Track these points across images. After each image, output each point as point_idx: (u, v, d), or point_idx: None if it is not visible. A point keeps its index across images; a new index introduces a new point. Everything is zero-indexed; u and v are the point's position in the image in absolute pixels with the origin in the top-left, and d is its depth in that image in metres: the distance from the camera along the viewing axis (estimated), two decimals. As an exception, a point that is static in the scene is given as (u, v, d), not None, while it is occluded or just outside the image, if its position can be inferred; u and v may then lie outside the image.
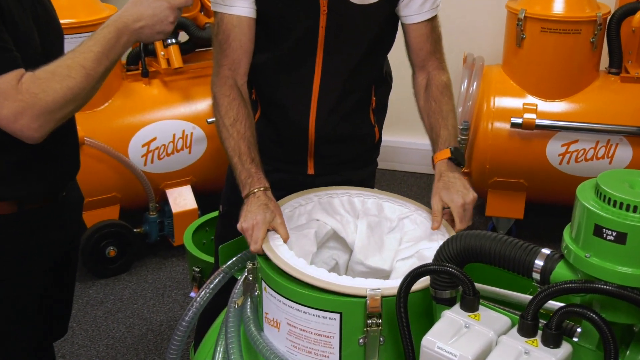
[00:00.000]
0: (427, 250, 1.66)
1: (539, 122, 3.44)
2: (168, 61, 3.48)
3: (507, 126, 3.49)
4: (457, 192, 1.74)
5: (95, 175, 3.31)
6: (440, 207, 1.74)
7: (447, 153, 1.82)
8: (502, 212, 3.75)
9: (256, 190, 1.71)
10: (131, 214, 3.59)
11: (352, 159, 2.08)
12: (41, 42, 1.65)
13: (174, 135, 3.49)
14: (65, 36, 1.85)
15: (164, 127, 3.47)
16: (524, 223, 3.84)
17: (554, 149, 3.50)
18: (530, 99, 3.53)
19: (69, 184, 1.85)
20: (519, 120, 3.44)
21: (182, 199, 3.58)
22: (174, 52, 3.46)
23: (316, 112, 1.95)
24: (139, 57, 3.52)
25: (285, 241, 1.59)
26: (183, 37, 3.65)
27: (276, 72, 1.93)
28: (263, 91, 1.99)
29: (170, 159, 3.50)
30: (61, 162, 1.79)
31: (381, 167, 4.73)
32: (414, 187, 4.59)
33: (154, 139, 3.44)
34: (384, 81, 2.08)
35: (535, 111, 3.46)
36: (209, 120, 3.47)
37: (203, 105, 3.54)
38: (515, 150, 3.53)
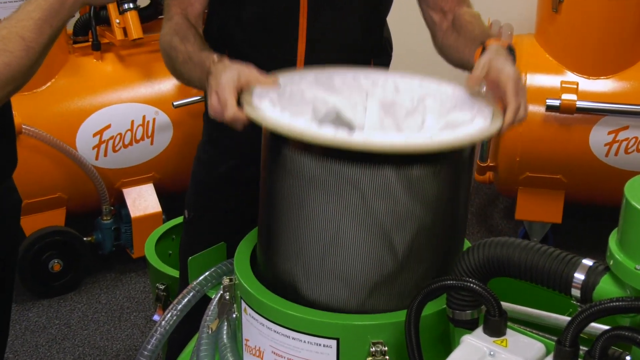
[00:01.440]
0: (461, 117, 1.59)
1: (580, 104, 3.44)
2: (125, 31, 3.47)
3: (542, 109, 3.50)
4: (510, 64, 1.68)
5: (35, 172, 3.31)
6: (486, 64, 1.66)
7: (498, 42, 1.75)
8: (535, 216, 3.76)
9: (215, 59, 1.69)
10: (80, 219, 3.59)
11: None
12: None
13: (133, 122, 3.49)
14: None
15: (120, 111, 3.47)
16: (562, 228, 3.85)
17: (598, 138, 3.51)
18: (570, 76, 3.54)
19: (3, 183, 1.85)
20: (556, 102, 3.44)
21: (142, 200, 3.58)
22: (132, 19, 3.45)
23: None
24: (88, 26, 3.52)
25: (273, 86, 1.57)
26: (143, 1, 3.65)
27: (248, 43, 1.94)
28: None
29: (127, 151, 3.50)
30: None
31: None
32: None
33: (108, 126, 3.44)
34: (384, 50, 2.10)
35: (576, 91, 3.47)
36: (175, 103, 3.47)
37: (168, 84, 3.55)
38: (551, 139, 3.53)
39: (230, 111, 1.54)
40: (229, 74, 1.60)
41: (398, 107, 1.71)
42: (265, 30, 1.93)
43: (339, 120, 1.69)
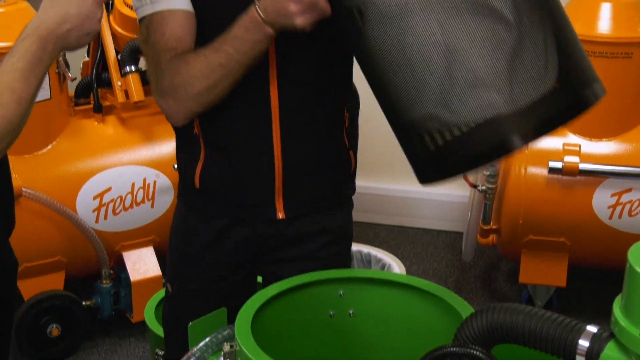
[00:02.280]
0: None
1: (583, 166, 3.45)
2: (126, 93, 3.50)
3: (545, 172, 3.50)
4: None
5: (35, 235, 3.30)
6: None
7: None
8: (539, 279, 3.74)
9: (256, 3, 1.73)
10: (79, 282, 3.58)
11: (328, 194, 2.12)
12: None
13: (133, 184, 3.49)
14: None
15: (121, 174, 3.48)
16: (567, 292, 3.82)
17: (602, 200, 3.51)
18: (572, 138, 3.55)
19: None
20: (559, 165, 3.45)
21: (142, 264, 3.57)
22: (134, 82, 3.48)
23: (280, 136, 1.97)
24: (90, 89, 3.54)
25: None
26: (144, 63, 3.67)
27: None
28: (209, 120, 2.00)
29: (128, 215, 3.50)
30: None
31: (390, 222, 4.79)
32: (430, 246, 4.58)
33: (109, 189, 3.44)
34: (354, 95, 2.12)
35: (578, 153, 3.48)
36: (176, 165, 3.46)
37: (169, 147, 3.55)
38: (554, 201, 3.53)
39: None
40: None
41: None
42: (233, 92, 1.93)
43: None
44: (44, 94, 3.24)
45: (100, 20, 1.67)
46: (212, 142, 2.02)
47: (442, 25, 1.46)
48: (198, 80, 1.84)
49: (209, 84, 1.84)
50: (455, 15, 1.46)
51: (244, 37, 1.79)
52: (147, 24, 1.92)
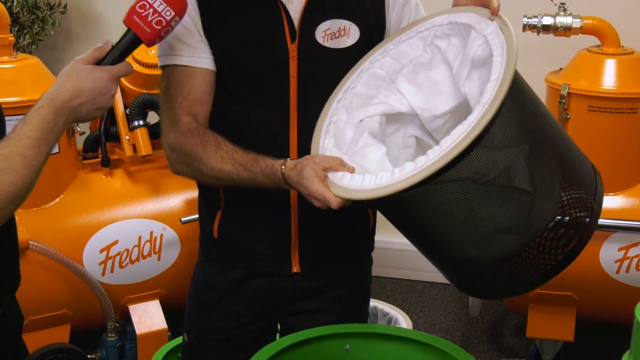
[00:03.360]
0: (477, 47, 1.77)
1: (589, 220, 3.44)
2: (134, 147, 3.52)
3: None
4: None
5: (40, 288, 3.29)
6: None
7: None
8: (547, 333, 3.70)
9: (283, 169, 1.80)
10: (84, 335, 3.55)
11: (344, 250, 2.13)
12: None
13: (140, 237, 3.49)
14: (7, 117, 1.88)
15: (128, 227, 3.47)
16: (575, 346, 3.79)
17: (609, 254, 3.49)
18: (578, 193, 3.54)
19: (5, 301, 1.84)
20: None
21: (148, 317, 3.55)
22: (142, 136, 3.50)
23: (298, 193, 1.98)
24: (98, 143, 3.56)
25: (350, 171, 1.72)
26: (152, 118, 3.70)
27: (240, 140, 1.97)
28: None
29: (134, 268, 3.49)
30: None
31: (396, 276, 4.76)
32: (437, 300, 4.56)
33: (115, 242, 3.44)
34: None
35: (584, 207, 3.47)
36: (183, 219, 3.48)
37: (176, 200, 3.56)
38: (561, 255, 3.51)
39: (335, 203, 1.70)
40: (309, 177, 1.73)
41: (420, 67, 1.92)
42: (252, 141, 1.98)
43: (390, 118, 1.92)
44: (52, 147, 3.25)
45: (113, 96, 1.72)
46: (232, 194, 2.04)
47: (472, 210, 1.67)
48: (207, 172, 1.92)
49: (215, 181, 1.95)
50: (486, 201, 1.67)
51: (261, 178, 1.86)
52: (168, 74, 1.96)
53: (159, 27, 1.78)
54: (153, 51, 3.44)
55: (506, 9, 4.21)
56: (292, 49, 1.97)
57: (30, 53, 4.35)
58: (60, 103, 1.65)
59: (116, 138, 3.58)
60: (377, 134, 1.87)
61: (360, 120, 1.89)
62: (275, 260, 2.07)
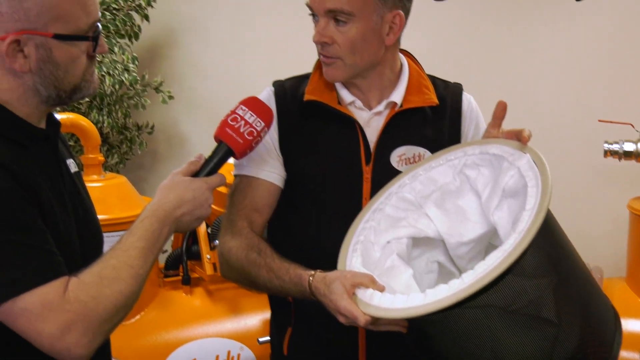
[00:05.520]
0: (509, 177, 1.79)
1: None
2: (215, 266, 3.55)
3: (636, 356, 3.40)
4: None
5: (119, 404, 3.31)
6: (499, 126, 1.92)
7: None
8: None
9: (310, 280, 1.82)
10: None
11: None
12: (80, 243, 1.75)
13: (217, 357, 3.49)
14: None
15: (206, 346, 3.48)
16: None
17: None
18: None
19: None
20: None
21: None
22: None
23: None
24: (179, 261, 3.62)
25: (380, 290, 1.71)
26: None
27: (301, 253, 2.00)
28: None
29: (211, 388, 3.49)
30: None
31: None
32: None
33: (193, 360, 3.46)
34: None
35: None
36: (260, 339, 3.48)
37: (254, 320, 3.57)
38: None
39: (363, 321, 1.69)
40: (337, 292, 1.73)
41: (448, 194, 1.93)
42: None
43: (417, 242, 1.93)
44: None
45: (210, 205, 1.78)
46: (303, 312, 2.06)
47: (496, 337, 1.65)
48: (245, 277, 2.00)
49: (254, 287, 2.02)
50: (511, 329, 1.65)
51: (290, 286, 1.91)
52: (237, 181, 2.07)
53: (251, 137, 1.85)
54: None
55: (586, 135, 4.24)
56: (367, 170, 2.03)
57: (118, 172, 4.49)
58: (163, 214, 1.71)
59: (197, 256, 3.64)
60: (404, 255, 1.88)
61: (388, 242, 1.90)
62: None
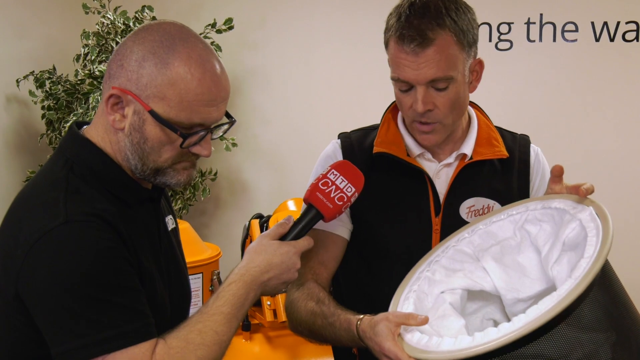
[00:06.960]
0: (570, 230, 1.75)
1: None
2: (274, 312, 3.58)
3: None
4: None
5: None
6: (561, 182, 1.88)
7: None
8: None
9: (358, 324, 1.80)
10: None
11: None
12: (170, 303, 1.77)
13: (276, 403, 3.50)
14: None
15: (264, 392, 3.50)
16: None
17: None
18: None
19: None
20: None
21: None
22: (283, 301, 3.56)
23: None
24: (240, 307, 3.64)
25: (424, 322, 1.68)
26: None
27: (370, 306, 1.99)
28: None
29: None
30: None
31: None
32: None
33: (253, 407, 3.46)
34: None
35: None
36: (319, 387, 3.49)
37: (313, 367, 3.58)
38: None
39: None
40: (382, 334, 1.71)
41: (508, 249, 1.90)
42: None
43: (471, 295, 1.90)
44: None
45: (297, 270, 1.79)
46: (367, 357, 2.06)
47: None
48: (305, 328, 2.00)
49: (314, 339, 2.01)
50: None
51: (340, 332, 1.89)
52: None
53: (341, 203, 1.85)
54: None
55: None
56: (436, 222, 2.03)
57: (181, 217, 4.54)
58: (250, 278, 1.72)
59: (257, 303, 3.65)
60: (458, 307, 1.85)
61: (442, 292, 1.88)
62: None
